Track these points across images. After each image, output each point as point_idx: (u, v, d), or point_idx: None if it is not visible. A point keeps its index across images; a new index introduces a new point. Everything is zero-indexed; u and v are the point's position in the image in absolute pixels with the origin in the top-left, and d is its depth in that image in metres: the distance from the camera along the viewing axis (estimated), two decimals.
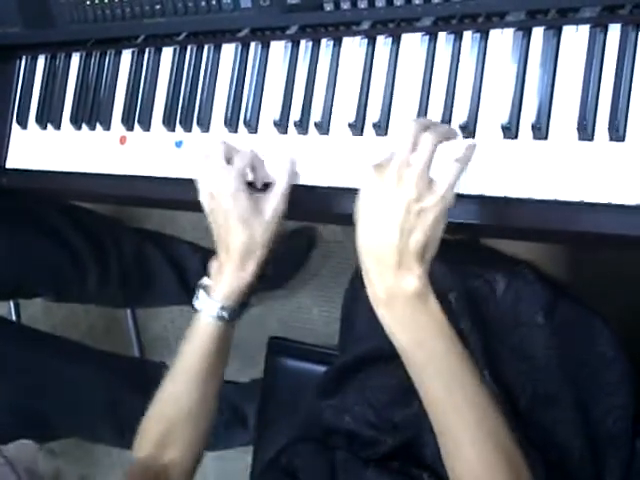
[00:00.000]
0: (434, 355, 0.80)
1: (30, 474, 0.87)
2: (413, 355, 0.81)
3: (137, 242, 1.74)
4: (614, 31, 0.86)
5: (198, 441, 1.03)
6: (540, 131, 0.88)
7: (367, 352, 1.03)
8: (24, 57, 1.30)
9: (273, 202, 0.99)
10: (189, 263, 1.81)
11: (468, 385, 0.80)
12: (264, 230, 0.98)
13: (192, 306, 1.00)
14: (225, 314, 0.98)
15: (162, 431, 1.01)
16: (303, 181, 1.03)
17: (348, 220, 1.07)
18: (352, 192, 0.99)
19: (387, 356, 0.99)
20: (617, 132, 0.84)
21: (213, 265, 1.01)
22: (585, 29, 0.88)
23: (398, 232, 0.80)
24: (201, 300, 0.99)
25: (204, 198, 1.00)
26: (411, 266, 0.80)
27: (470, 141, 0.86)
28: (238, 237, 0.97)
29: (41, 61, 1.28)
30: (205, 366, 1.00)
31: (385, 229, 0.80)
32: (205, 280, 1.02)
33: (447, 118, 0.94)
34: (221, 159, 0.98)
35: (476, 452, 0.78)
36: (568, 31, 0.89)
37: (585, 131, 0.86)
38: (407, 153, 0.82)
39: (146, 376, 1.66)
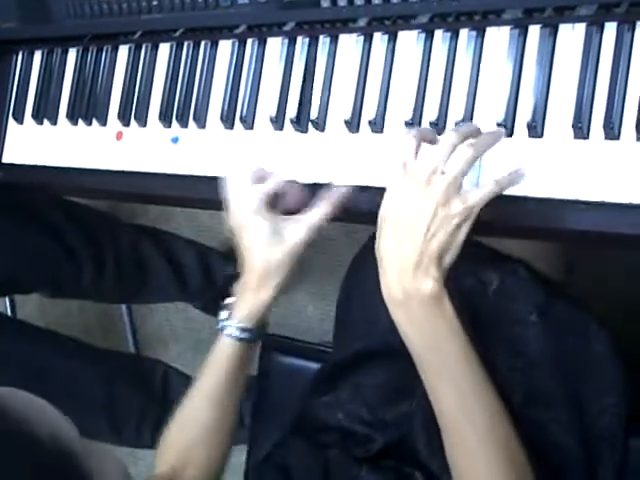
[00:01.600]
0: (447, 359, 0.82)
1: None
2: (426, 358, 0.83)
3: (133, 238, 1.73)
4: (610, 30, 0.86)
5: (217, 460, 1.01)
6: (535, 129, 0.88)
7: (361, 350, 1.03)
8: (21, 52, 1.30)
9: (301, 229, 0.96)
10: (185, 259, 1.81)
11: (480, 391, 0.82)
12: (284, 254, 0.95)
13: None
14: (244, 335, 0.97)
15: (181, 450, 0.99)
16: (299, 179, 1.03)
17: (343, 216, 1.07)
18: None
19: (381, 354, 1.00)
20: (612, 130, 0.84)
21: (237, 285, 0.99)
22: (581, 27, 0.87)
23: (422, 234, 0.81)
24: (222, 320, 0.98)
25: (229, 215, 0.98)
26: (429, 268, 0.81)
27: (520, 170, 0.86)
28: (257, 258, 0.95)
29: (38, 56, 1.28)
30: (222, 386, 0.98)
31: (409, 230, 0.82)
32: (229, 300, 1.00)
33: (443, 115, 0.94)
34: (247, 178, 0.97)
35: (485, 460, 0.79)
36: (564, 29, 0.89)
37: (580, 129, 0.86)
38: (442, 161, 0.82)
39: (142, 373, 1.66)
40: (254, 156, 1.06)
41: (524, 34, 0.91)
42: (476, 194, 0.82)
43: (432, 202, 0.81)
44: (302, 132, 1.04)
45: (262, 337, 1.00)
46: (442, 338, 0.81)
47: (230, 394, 0.99)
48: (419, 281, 0.81)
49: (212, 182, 1.09)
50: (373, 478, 0.94)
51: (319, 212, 0.96)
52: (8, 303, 2.06)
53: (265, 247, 0.95)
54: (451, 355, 0.81)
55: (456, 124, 0.93)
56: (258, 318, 0.97)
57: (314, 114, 1.02)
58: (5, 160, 1.29)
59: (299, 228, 0.95)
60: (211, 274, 1.87)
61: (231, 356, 0.97)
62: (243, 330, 0.96)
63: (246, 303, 0.96)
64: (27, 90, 1.28)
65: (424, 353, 0.83)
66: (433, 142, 0.88)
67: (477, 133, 0.88)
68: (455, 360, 0.81)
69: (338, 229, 1.90)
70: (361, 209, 0.99)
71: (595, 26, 0.86)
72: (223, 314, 0.99)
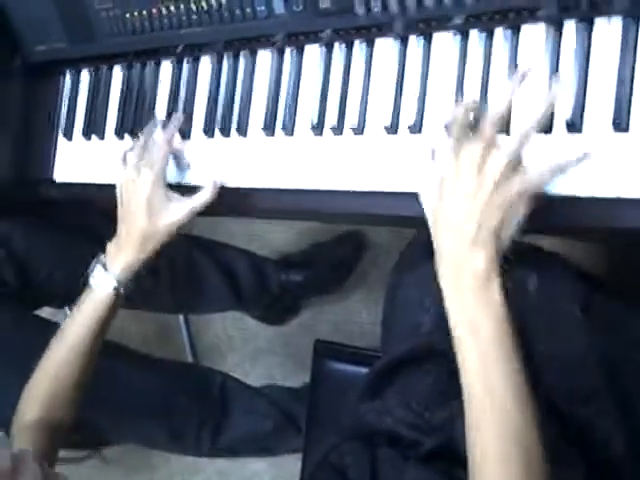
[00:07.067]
0: (483, 338, 0.80)
1: None
2: (464, 338, 0.81)
3: (186, 249, 1.75)
4: None
5: (79, 405, 1.14)
6: (575, 125, 0.87)
7: (404, 354, 1.03)
8: (69, 71, 1.32)
9: (183, 210, 1.09)
10: (238, 268, 1.82)
11: (510, 385, 0.79)
12: (165, 228, 1.09)
13: (88, 281, 1.13)
14: (121, 287, 1.11)
15: (53, 393, 1.11)
16: (341, 186, 1.04)
17: (389, 221, 1.08)
18: (389, 194, 1.00)
19: (424, 357, 1.00)
20: None
21: (111, 244, 1.13)
22: (618, 20, 0.87)
23: (480, 207, 0.81)
24: (99, 274, 1.11)
25: (122, 180, 1.11)
26: (486, 244, 0.81)
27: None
28: (141, 223, 1.08)
29: (85, 74, 1.31)
30: (97, 334, 1.11)
31: (469, 202, 0.81)
32: (102, 257, 1.13)
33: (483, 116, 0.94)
34: (142, 148, 1.11)
35: (499, 460, 0.78)
36: (600, 23, 0.88)
37: (620, 124, 0.85)
38: (492, 136, 0.82)
39: (200, 382, 1.68)
40: (295, 163, 1.07)
41: (560, 30, 0.90)
42: (535, 173, 0.81)
43: (490, 178, 0.81)
44: (341, 136, 1.04)
45: (133, 289, 1.14)
46: (483, 319, 0.80)
47: (99, 343, 1.13)
48: (473, 257, 0.81)
49: (255, 191, 1.11)
50: (421, 475, 0.93)
51: (201, 198, 1.09)
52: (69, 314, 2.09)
53: (154, 215, 1.08)
54: (488, 338, 0.79)
55: None
56: (134, 272, 1.11)
57: (353, 119, 1.03)
58: (57, 178, 1.32)
59: (182, 208, 1.09)
60: (265, 282, 1.89)
61: (106, 307, 1.11)
62: (120, 283, 1.11)
63: (125, 260, 1.11)
64: (75, 108, 1.31)
65: (461, 330, 0.81)
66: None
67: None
68: (491, 344, 0.79)
69: (389, 234, 1.90)
70: (405, 214, 0.99)
71: (631, 18, 0.85)
72: (99, 269, 1.11)
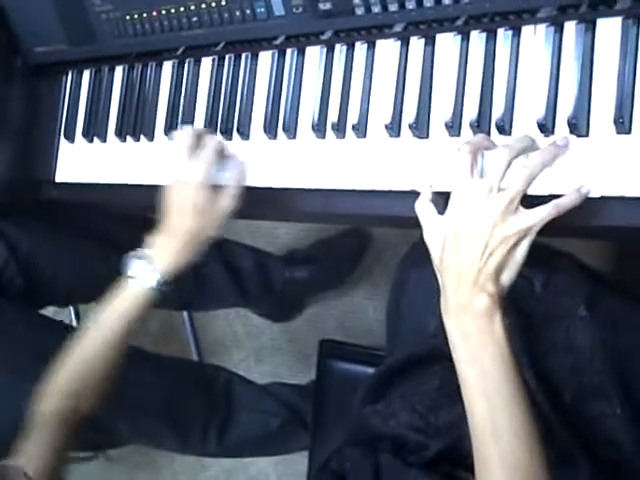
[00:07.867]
0: (486, 375, 0.81)
1: None
2: (467, 370, 0.83)
3: None
4: None
5: (103, 399, 1.11)
6: (576, 126, 0.87)
7: (409, 356, 1.03)
8: (70, 72, 1.33)
9: (227, 199, 1.05)
10: (243, 264, 1.82)
11: (511, 414, 0.80)
12: (214, 221, 1.05)
13: (124, 273, 1.07)
14: (163, 288, 1.06)
15: (78, 386, 1.07)
16: (343, 185, 1.04)
17: (392, 222, 1.07)
18: (391, 194, 1.00)
19: (429, 360, 1.00)
20: None
21: (155, 238, 1.07)
22: (617, 21, 0.87)
23: (480, 253, 0.82)
24: (139, 269, 1.06)
25: (170, 180, 1.06)
26: (486, 286, 0.82)
27: (582, 188, 0.85)
28: (190, 225, 1.04)
29: (86, 76, 1.31)
30: (127, 330, 1.07)
31: (468, 249, 0.83)
32: (142, 251, 1.08)
33: (484, 116, 0.94)
34: (190, 149, 1.05)
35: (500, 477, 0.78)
36: (601, 24, 0.88)
37: (622, 124, 0.84)
38: (497, 180, 0.83)
39: (204, 380, 1.67)
40: (298, 165, 1.07)
41: (560, 31, 0.90)
42: (534, 215, 0.82)
43: (489, 222, 0.82)
44: (344, 139, 1.04)
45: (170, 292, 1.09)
46: (485, 354, 0.81)
47: (129, 337, 1.09)
48: (475, 297, 0.82)
49: (260, 192, 1.11)
50: None
51: (235, 182, 1.06)
52: (73, 313, 2.10)
53: (201, 216, 1.04)
54: (491, 372, 0.81)
55: (497, 125, 0.92)
56: (178, 273, 1.07)
57: (355, 120, 1.03)
58: (59, 179, 1.32)
59: (224, 199, 1.05)
60: (269, 279, 1.88)
61: (143, 304, 1.06)
62: (164, 283, 1.06)
63: (170, 260, 1.06)
64: (77, 109, 1.31)
65: (465, 364, 0.83)
66: (489, 148, 0.88)
67: (532, 146, 0.88)
68: (493, 378, 0.81)
69: (393, 230, 1.90)
70: (407, 214, 0.99)
71: (631, 19, 0.85)
72: (140, 264, 1.06)
